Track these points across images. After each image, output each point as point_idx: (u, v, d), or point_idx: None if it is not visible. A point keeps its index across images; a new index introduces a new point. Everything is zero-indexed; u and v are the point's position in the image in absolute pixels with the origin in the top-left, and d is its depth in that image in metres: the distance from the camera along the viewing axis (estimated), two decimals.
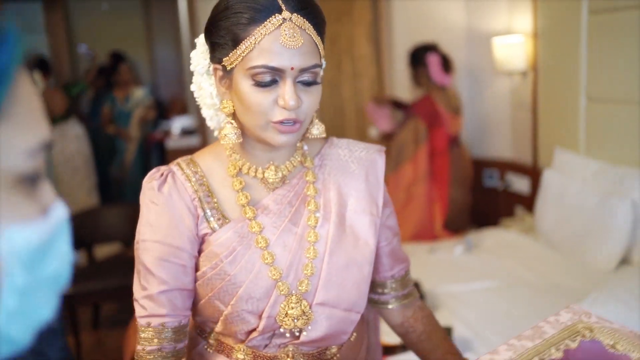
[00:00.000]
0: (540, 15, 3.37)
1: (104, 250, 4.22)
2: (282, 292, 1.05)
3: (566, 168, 3.08)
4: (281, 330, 1.06)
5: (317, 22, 0.99)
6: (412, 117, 3.63)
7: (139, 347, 1.04)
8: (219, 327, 1.08)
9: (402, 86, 3.99)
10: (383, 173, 1.15)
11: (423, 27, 3.91)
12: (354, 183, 1.13)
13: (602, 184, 2.82)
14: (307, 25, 0.96)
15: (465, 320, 2.28)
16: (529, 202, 3.53)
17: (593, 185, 2.85)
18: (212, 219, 1.05)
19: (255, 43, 0.94)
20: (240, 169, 1.08)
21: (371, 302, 1.22)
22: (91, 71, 6.21)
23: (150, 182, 1.06)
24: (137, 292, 1.05)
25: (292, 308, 1.04)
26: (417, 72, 3.66)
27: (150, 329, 1.03)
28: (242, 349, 1.10)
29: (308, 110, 0.99)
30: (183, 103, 6.99)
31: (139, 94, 5.48)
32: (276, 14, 0.94)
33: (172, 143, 5.71)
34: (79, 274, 3.41)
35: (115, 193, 5.57)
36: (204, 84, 1.09)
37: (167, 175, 1.07)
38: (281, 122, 0.97)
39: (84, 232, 3.42)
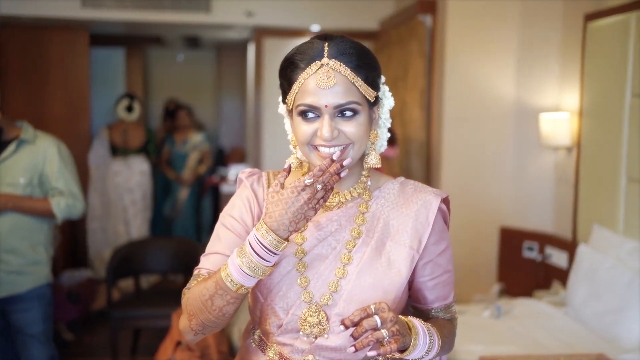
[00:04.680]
0: (586, 94, 3.47)
1: (150, 280, 4.42)
2: (304, 300, 1.20)
3: (602, 245, 3.11)
4: (300, 333, 1.20)
5: (359, 64, 1.18)
6: None
7: (185, 289, 1.23)
8: (258, 320, 1.24)
9: (450, 152, 4.12)
10: (434, 214, 1.25)
11: (472, 98, 4.06)
12: (402, 217, 1.25)
13: (636, 263, 2.83)
14: (343, 68, 1.16)
15: None
16: (566, 276, 3.53)
17: (627, 263, 2.87)
18: None
19: (299, 85, 1.17)
20: None
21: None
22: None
23: (243, 174, 1.33)
24: (207, 248, 1.28)
25: (311, 316, 1.19)
26: None
27: (199, 275, 1.23)
28: (273, 348, 1.24)
29: (351, 136, 1.18)
30: (242, 152, 7.32)
31: (197, 138, 5.83)
32: (317, 61, 1.16)
33: (227, 188, 5.98)
34: (125, 300, 3.62)
35: (164, 229, 5.87)
36: (287, 123, 1.32)
37: (256, 174, 1.33)
38: (316, 148, 1.18)
39: (132, 261, 3.65)
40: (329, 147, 1.17)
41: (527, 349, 2.62)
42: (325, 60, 1.16)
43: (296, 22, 5.34)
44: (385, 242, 1.23)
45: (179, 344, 2.43)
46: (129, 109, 5.37)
